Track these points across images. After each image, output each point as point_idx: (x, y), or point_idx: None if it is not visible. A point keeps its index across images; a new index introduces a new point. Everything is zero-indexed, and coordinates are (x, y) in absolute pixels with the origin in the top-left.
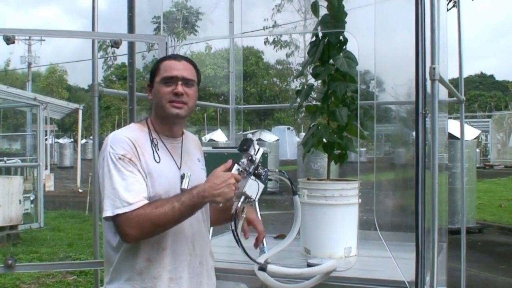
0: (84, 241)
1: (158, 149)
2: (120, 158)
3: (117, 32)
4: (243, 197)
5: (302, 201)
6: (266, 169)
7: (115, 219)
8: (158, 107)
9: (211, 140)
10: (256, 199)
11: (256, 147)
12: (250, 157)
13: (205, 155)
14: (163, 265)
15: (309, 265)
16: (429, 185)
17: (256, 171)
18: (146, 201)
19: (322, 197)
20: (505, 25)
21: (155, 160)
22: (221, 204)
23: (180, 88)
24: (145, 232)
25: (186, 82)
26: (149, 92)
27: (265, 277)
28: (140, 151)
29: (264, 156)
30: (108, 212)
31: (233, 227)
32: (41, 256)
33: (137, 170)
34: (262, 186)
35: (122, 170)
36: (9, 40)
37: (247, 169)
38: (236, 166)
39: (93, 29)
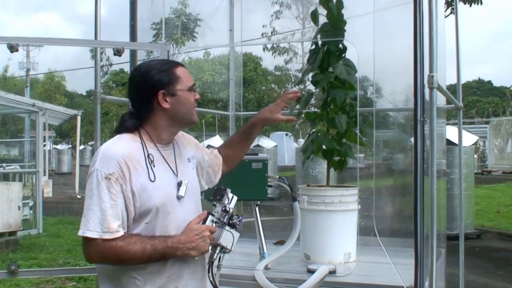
0: (82, 248)
1: (154, 166)
2: (106, 177)
3: (119, 41)
4: (218, 248)
5: (302, 207)
6: (241, 217)
7: (83, 238)
8: (184, 115)
9: (209, 146)
10: (232, 249)
11: (230, 195)
12: (223, 207)
13: None
14: (167, 275)
15: (309, 271)
16: (427, 191)
17: (230, 221)
18: (120, 231)
19: (321, 203)
20: (503, 31)
21: (150, 179)
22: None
23: (198, 94)
24: (107, 262)
25: None
26: (164, 101)
27: (266, 283)
28: (133, 166)
29: (265, 163)
30: (80, 231)
31: (211, 279)
32: (40, 262)
33: (120, 191)
34: (237, 235)
35: (105, 190)
36: (13, 48)
37: (221, 219)
38: (210, 217)
39: (95, 37)
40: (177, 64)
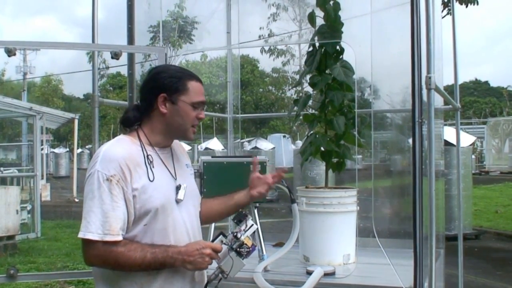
0: (81, 251)
1: (153, 166)
2: (107, 179)
3: (117, 44)
4: (218, 270)
5: (301, 209)
6: (252, 248)
7: (84, 240)
8: (178, 126)
9: (207, 148)
10: (231, 275)
11: (249, 223)
12: (235, 233)
13: (205, 164)
14: (160, 280)
15: (308, 273)
16: (426, 191)
17: (238, 249)
18: (119, 236)
19: (320, 205)
20: (499, 31)
21: (149, 179)
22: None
23: (203, 114)
24: (106, 266)
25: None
26: (163, 105)
27: (265, 285)
28: (134, 168)
29: (263, 165)
30: (80, 233)
31: None
32: (38, 266)
33: (121, 193)
34: (240, 264)
35: (106, 192)
36: (10, 52)
37: (231, 243)
38: (220, 237)
39: (93, 40)
40: (194, 77)
